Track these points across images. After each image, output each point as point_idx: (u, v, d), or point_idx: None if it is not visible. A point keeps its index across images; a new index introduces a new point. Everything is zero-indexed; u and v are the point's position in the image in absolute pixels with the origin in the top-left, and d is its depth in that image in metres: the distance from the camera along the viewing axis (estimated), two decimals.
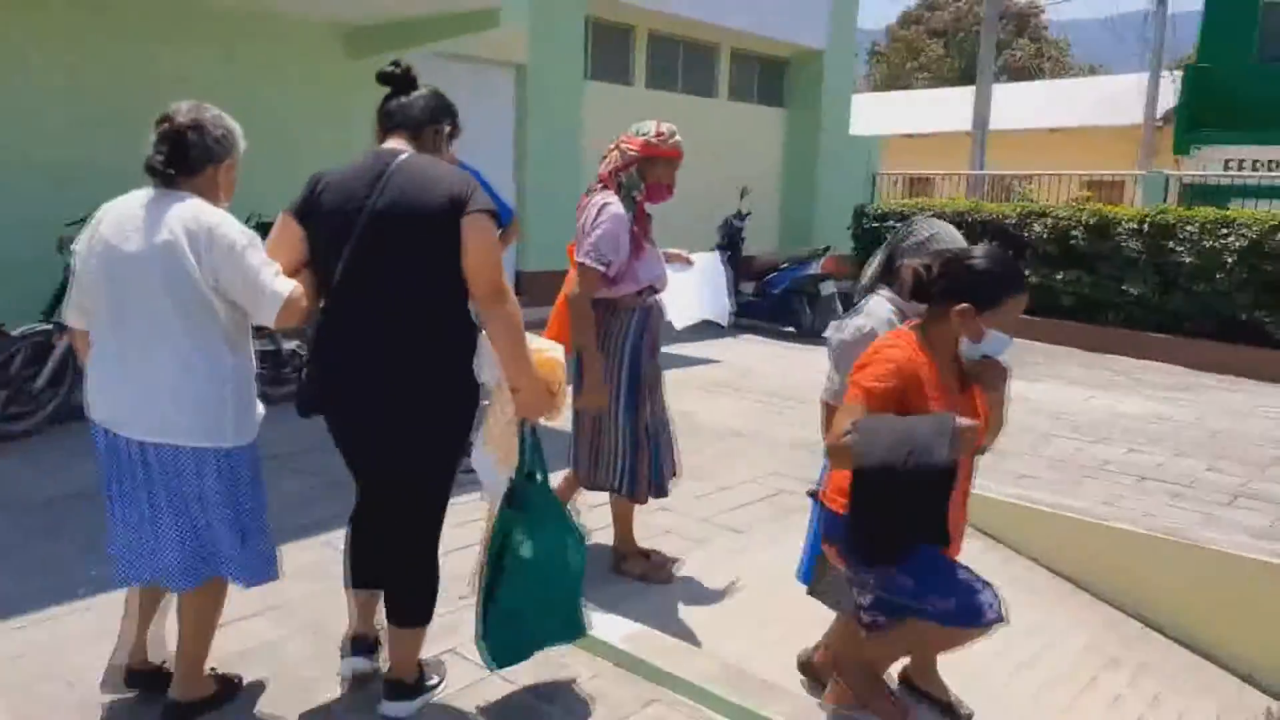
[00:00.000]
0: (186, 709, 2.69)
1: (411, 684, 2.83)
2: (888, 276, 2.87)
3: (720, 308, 4.19)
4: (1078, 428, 6.59)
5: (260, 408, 2.77)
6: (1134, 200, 12.82)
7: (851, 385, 2.44)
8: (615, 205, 3.46)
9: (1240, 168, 15.47)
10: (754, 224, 11.98)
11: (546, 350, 2.78)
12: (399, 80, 2.78)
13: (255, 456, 2.73)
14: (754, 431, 6.24)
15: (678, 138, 3.60)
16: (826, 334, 2.98)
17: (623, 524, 3.97)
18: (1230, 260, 8.78)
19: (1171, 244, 9.21)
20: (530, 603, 2.78)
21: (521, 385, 2.61)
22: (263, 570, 2.76)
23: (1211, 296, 8.97)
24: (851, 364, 2.62)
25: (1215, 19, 17.52)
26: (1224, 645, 4.24)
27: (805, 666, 3.19)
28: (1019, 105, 24.34)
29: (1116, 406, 7.30)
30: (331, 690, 2.95)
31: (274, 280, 2.50)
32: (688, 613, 3.67)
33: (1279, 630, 4.14)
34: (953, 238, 2.77)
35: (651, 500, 3.94)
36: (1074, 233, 9.93)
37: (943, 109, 25.76)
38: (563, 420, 3.08)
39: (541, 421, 2.77)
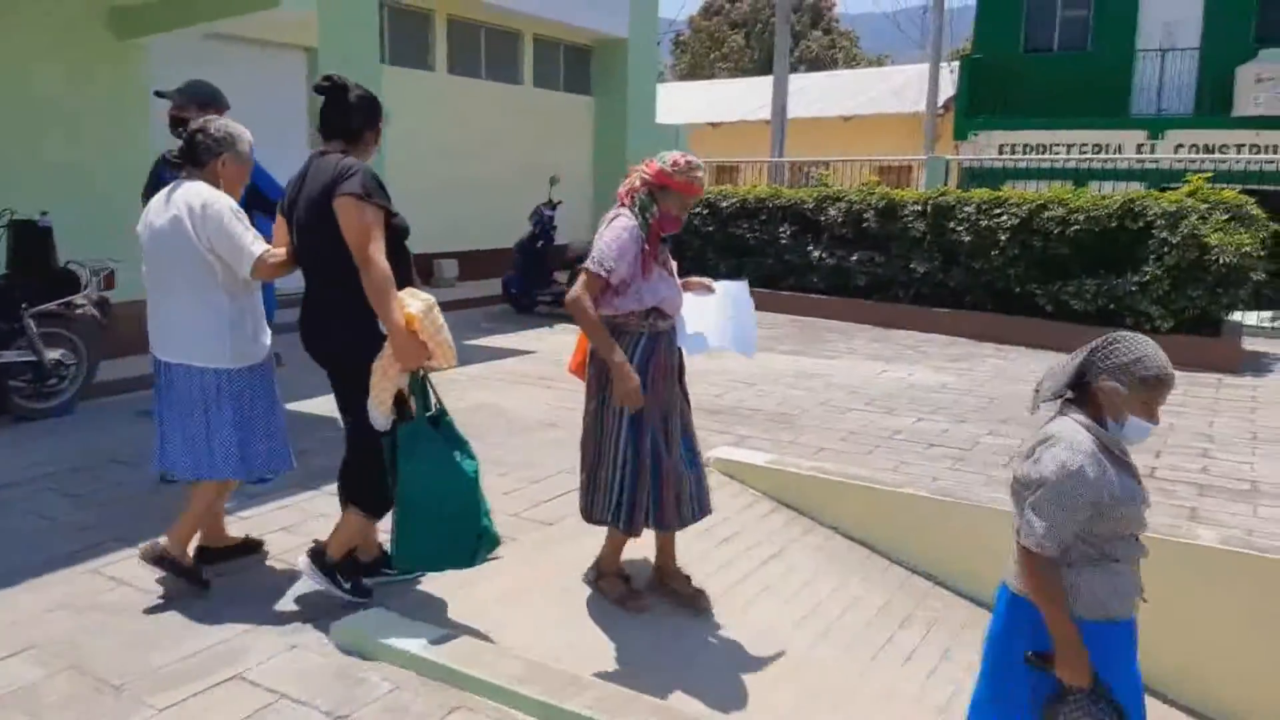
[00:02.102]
0: (159, 558, 3.50)
1: (328, 564, 3.41)
2: (1077, 395, 2.47)
3: (744, 339, 3.79)
4: (871, 400, 6.94)
5: (266, 338, 3.59)
6: (919, 184, 13.63)
7: None
8: (626, 218, 3.43)
9: (1014, 152, 16.75)
10: (568, 213, 11.95)
11: (408, 305, 3.13)
12: (329, 91, 3.35)
13: (260, 378, 3.54)
14: (566, 422, 6.19)
15: (697, 173, 3.48)
16: (1016, 470, 2.50)
17: (610, 545, 3.81)
18: (1003, 238, 9.47)
19: (952, 224, 9.84)
20: (421, 525, 3.24)
21: (390, 335, 3.13)
22: (276, 465, 3.65)
23: (988, 272, 9.66)
24: (1063, 507, 2.31)
25: (987, 12, 18.86)
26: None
27: None
28: (815, 95, 25.43)
29: (906, 378, 7.74)
30: None
31: (251, 244, 3.33)
32: (496, 612, 3.59)
33: None
34: (1162, 361, 2.39)
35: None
36: (865, 216, 10.45)
37: (745, 98, 26.58)
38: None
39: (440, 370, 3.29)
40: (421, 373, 3.26)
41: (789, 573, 4.39)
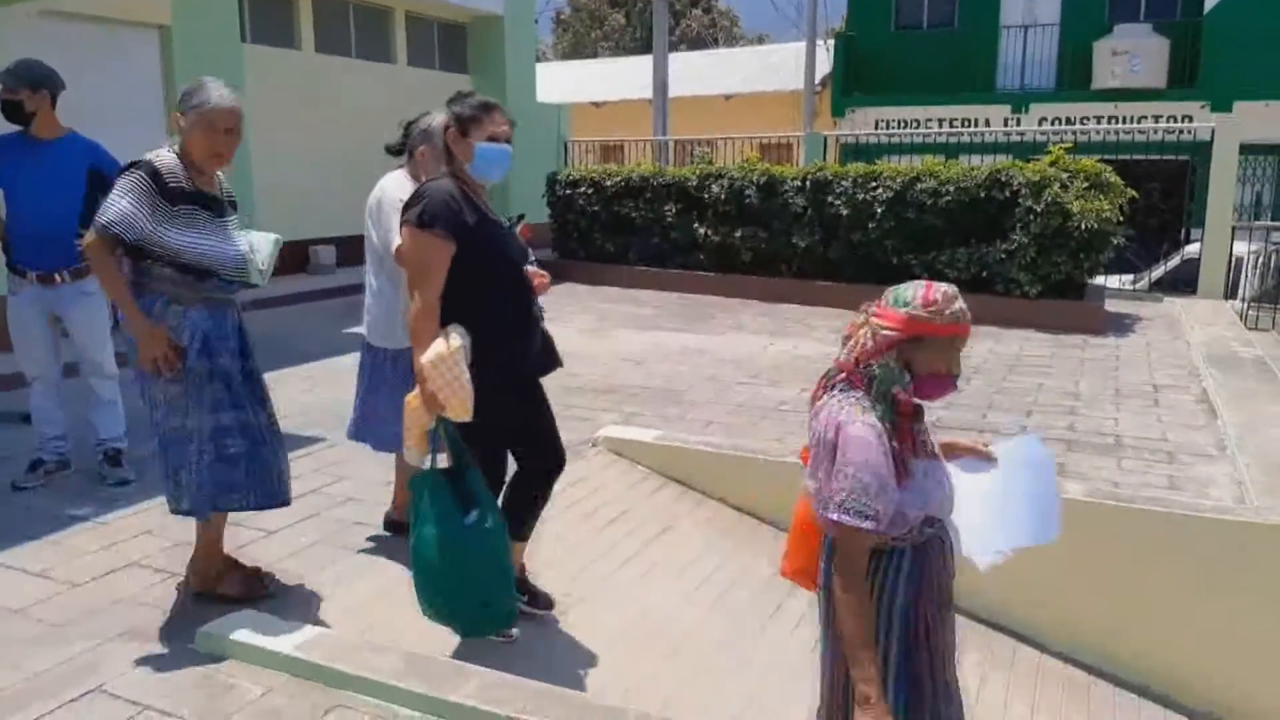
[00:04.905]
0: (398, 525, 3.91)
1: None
2: None
3: (1045, 523, 2.48)
4: (757, 373, 7.01)
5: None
6: (800, 160, 13.82)
7: None
8: (859, 426, 2.14)
9: (889, 127, 17.19)
10: None
11: (425, 353, 2.89)
12: None
13: (392, 361, 3.81)
14: None
15: (957, 304, 2.19)
16: None
17: None
18: (879, 210, 9.69)
19: (830, 198, 10.01)
20: (421, 580, 3.01)
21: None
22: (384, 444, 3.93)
23: (866, 244, 9.86)
24: None
25: None
26: None
27: None
28: (696, 73, 25.54)
29: (792, 351, 7.85)
30: None
31: (396, 237, 3.45)
32: (377, 609, 3.47)
33: None
34: None
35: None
36: (747, 192, 10.54)
37: (627, 77, 26.49)
38: None
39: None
40: (445, 421, 2.97)
41: (678, 548, 4.39)
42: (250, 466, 3.24)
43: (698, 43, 38.89)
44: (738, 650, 3.71)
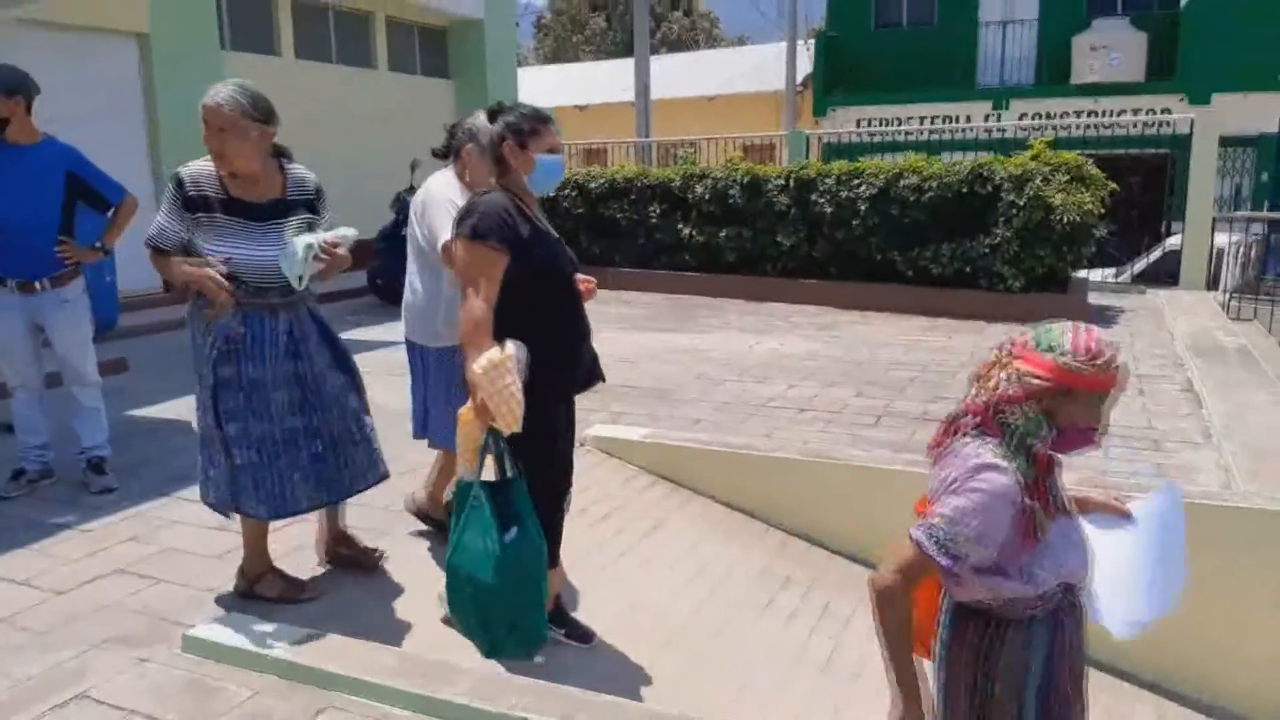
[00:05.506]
0: (423, 518, 4.07)
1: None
2: None
3: (1172, 582, 2.22)
4: (744, 371, 7.02)
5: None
6: (783, 160, 13.83)
7: None
8: (999, 475, 1.97)
9: (870, 126, 17.26)
10: None
11: (477, 360, 2.81)
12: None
13: (443, 361, 3.72)
14: None
15: (1113, 354, 2.00)
16: None
17: None
18: (863, 208, 9.71)
19: (814, 196, 10.02)
20: (453, 593, 2.93)
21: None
22: (437, 438, 3.86)
23: (850, 242, 9.88)
24: None
25: None
26: (876, 551, 4.66)
27: None
28: (678, 76, 25.58)
29: (778, 349, 7.86)
30: None
31: (442, 234, 3.46)
32: (369, 608, 3.45)
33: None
34: None
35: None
36: (731, 192, 10.54)
37: (610, 80, 26.53)
38: None
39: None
40: (496, 433, 2.90)
41: (669, 544, 4.38)
42: (259, 477, 3.23)
43: (678, 45, 38.94)
44: (730, 642, 3.70)
